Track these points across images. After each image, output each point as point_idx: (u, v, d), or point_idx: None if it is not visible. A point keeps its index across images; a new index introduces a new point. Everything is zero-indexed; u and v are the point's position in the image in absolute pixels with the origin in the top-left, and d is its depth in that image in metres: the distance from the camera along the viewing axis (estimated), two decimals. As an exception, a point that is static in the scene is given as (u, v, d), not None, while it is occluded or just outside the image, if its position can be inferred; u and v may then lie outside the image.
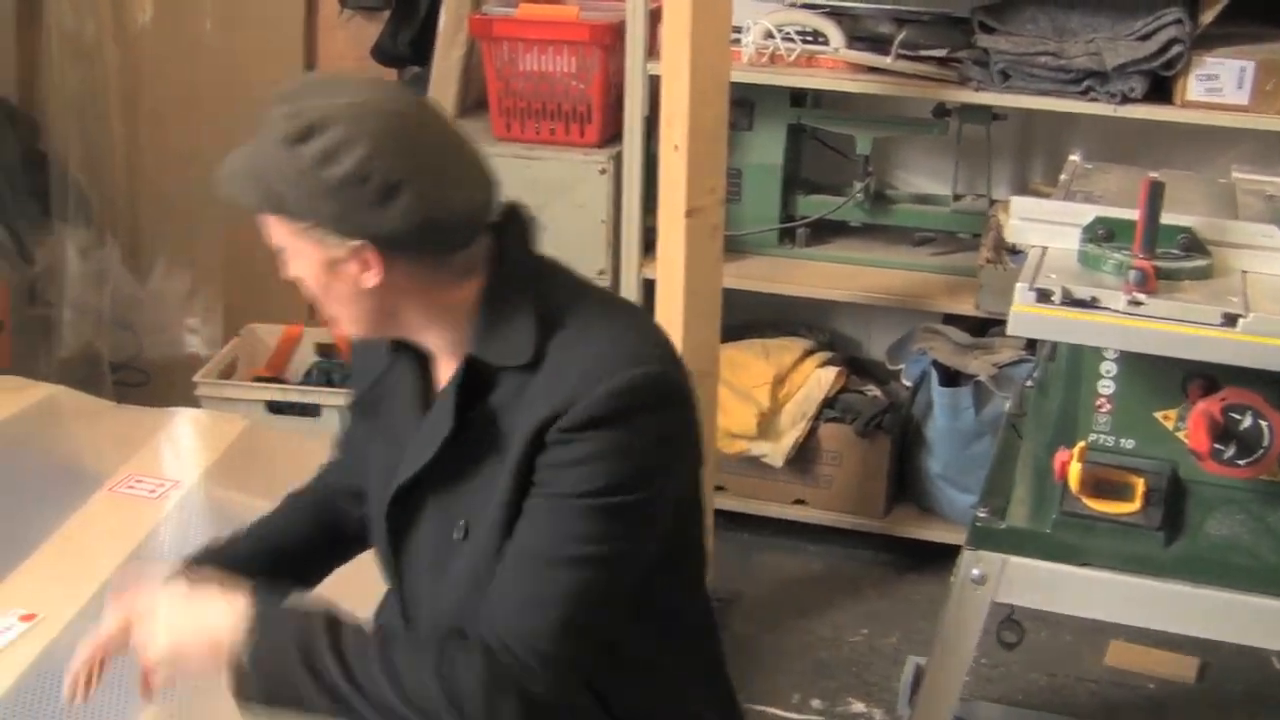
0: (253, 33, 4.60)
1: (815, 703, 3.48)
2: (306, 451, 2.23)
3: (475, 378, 1.83)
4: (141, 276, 4.76)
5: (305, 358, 4.49)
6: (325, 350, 4.50)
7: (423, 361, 1.96)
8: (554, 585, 1.75)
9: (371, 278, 1.78)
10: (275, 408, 4.10)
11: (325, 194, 1.72)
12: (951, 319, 3.97)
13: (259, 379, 4.36)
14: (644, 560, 1.82)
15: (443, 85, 4.20)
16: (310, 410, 4.07)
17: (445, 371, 1.91)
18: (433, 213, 1.75)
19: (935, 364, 3.89)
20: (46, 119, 4.69)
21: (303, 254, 1.80)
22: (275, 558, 2.14)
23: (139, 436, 3.49)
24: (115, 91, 4.64)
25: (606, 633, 1.83)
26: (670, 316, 3.21)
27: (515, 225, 1.91)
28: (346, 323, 1.88)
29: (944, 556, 3.05)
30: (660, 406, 1.77)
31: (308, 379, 4.36)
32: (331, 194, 1.72)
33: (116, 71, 4.62)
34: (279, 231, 1.81)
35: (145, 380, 4.73)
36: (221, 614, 1.81)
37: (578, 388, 1.75)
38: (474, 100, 4.24)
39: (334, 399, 4.05)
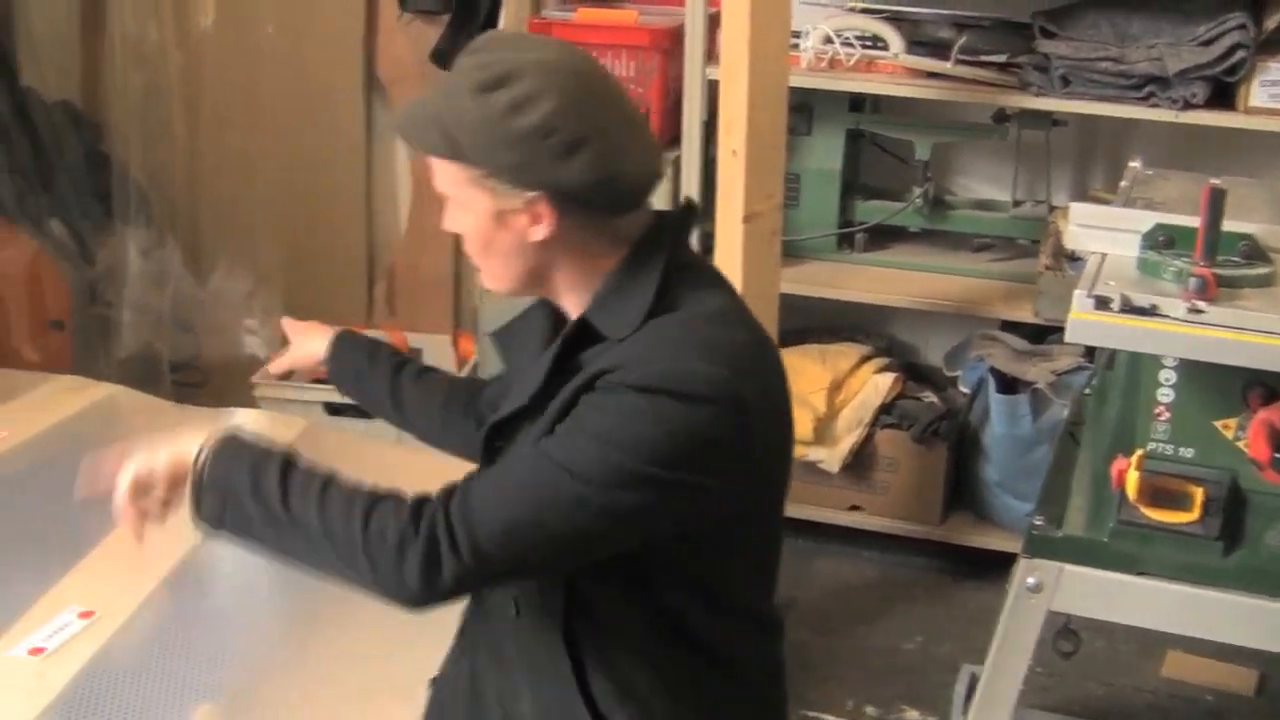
0: (313, 36, 4.63)
1: (869, 710, 3.47)
2: (364, 453, 2.24)
3: (583, 339, 1.86)
4: (201, 277, 4.79)
5: (363, 360, 4.50)
6: (383, 352, 4.51)
7: (558, 315, 1.99)
8: (527, 490, 1.75)
9: (541, 231, 1.81)
10: (333, 409, 4.12)
11: (510, 143, 1.76)
12: (1010, 326, 3.95)
13: (318, 381, 4.36)
14: (629, 537, 1.80)
15: (502, 89, 4.21)
16: (368, 413, 4.08)
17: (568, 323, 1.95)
18: (609, 171, 1.79)
19: (993, 371, 3.87)
20: (109, 121, 4.73)
21: (472, 203, 1.83)
22: (403, 380, 2.30)
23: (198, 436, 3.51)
24: (177, 95, 4.67)
25: (540, 570, 1.84)
26: (727, 321, 3.21)
27: (678, 215, 1.96)
28: (499, 278, 1.91)
29: (1000, 565, 3.03)
30: (706, 406, 1.75)
31: (365, 381, 4.37)
32: (516, 143, 1.76)
33: (178, 75, 4.66)
34: (452, 179, 1.83)
35: (204, 381, 4.76)
36: (191, 440, 1.86)
37: (645, 355, 1.77)
38: (532, 104, 4.25)
39: (391, 401, 4.06)
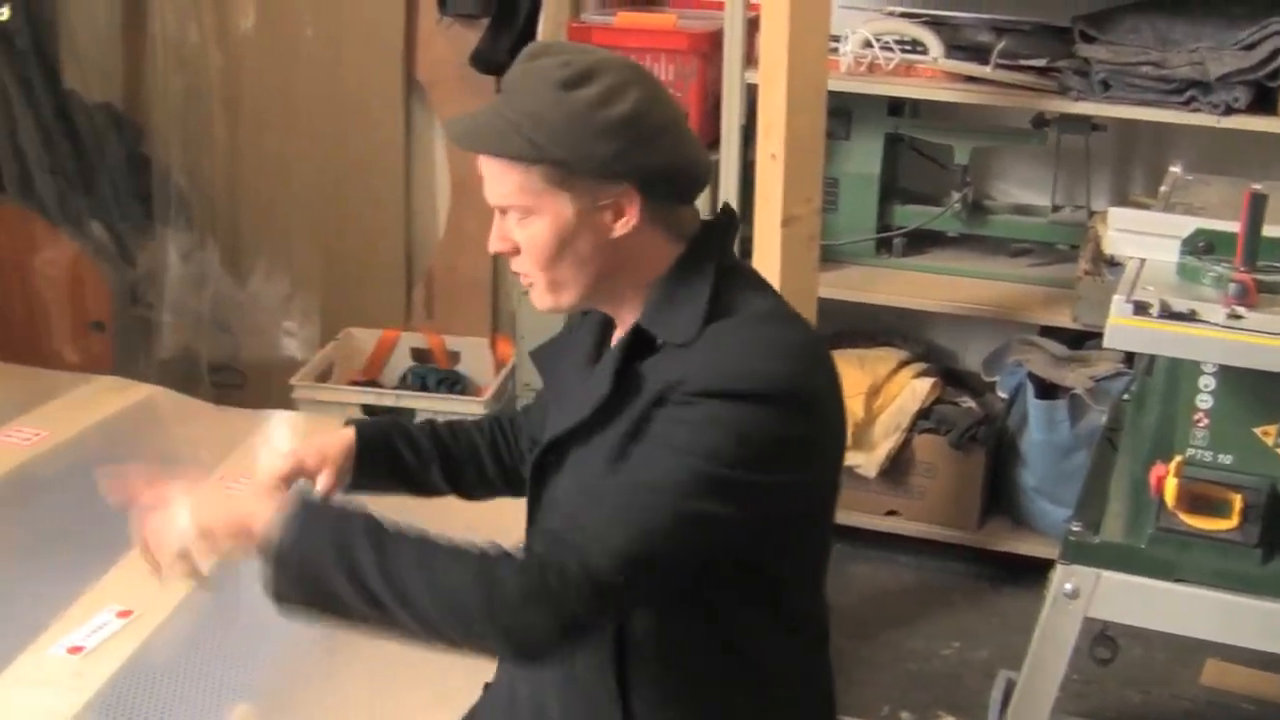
0: (352, 39, 4.64)
1: (905, 715, 3.46)
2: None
3: (640, 347, 1.86)
4: (240, 279, 4.81)
5: (401, 362, 4.53)
6: (420, 355, 4.54)
7: (605, 326, 1.99)
8: (635, 520, 1.72)
9: (625, 224, 1.82)
10: (370, 411, 4.13)
11: (604, 133, 1.77)
12: (1048, 331, 3.94)
13: (355, 383, 4.40)
14: (723, 543, 1.80)
15: (540, 92, 4.22)
16: (405, 415, 4.10)
17: (620, 334, 1.94)
18: (687, 157, 1.85)
19: (1031, 376, 3.86)
20: (150, 124, 4.75)
21: (549, 208, 1.81)
22: (445, 440, 2.18)
23: (235, 437, 3.53)
24: (217, 97, 4.69)
25: (656, 596, 1.82)
26: (764, 325, 3.21)
27: (724, 220, 1.98)
28: (566, 288, 1.88)
29: (1037, 570, 3.02)
30: (780, 405, 1.76)
31: (403, 384, 4.40)
32: (610, 133, 1.77)
33: (218, 77, 4.68)
34: (523, 185, 1.81)
35: (242, 382, 4.79)
36: (255, 502, 1.79)
37: (712, 361, 1.78)
38: (571, 107, 4.25)
39: (429, 404, 4.07)
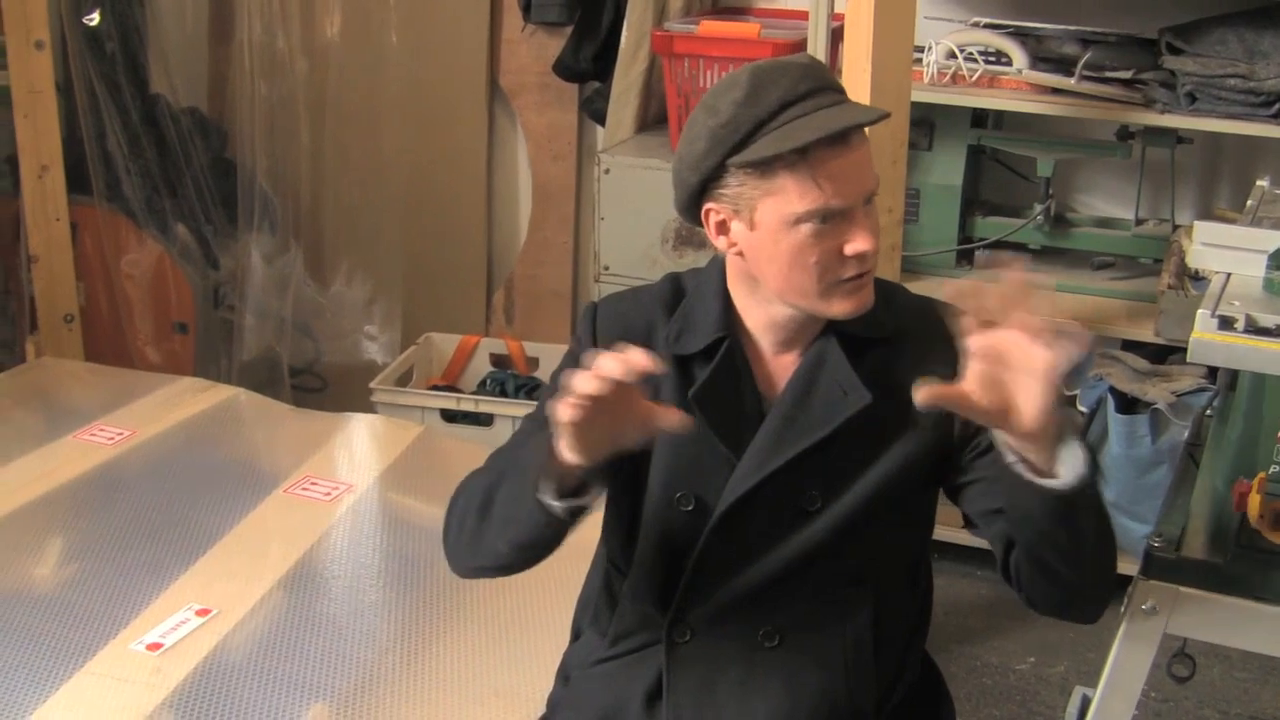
0: (437, 46, 4.67)
1: (980, 730, 3.45)
2: (479, 459, 2.25)
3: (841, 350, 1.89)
4: (323, 284, 4.85)
5: (480, 368, 4.54)
6: (500, 361, 4.55)
7: (730, 354, 1.95)
8: None
9: None
10: (449, 416, 4.15)
11: None
12: (1130, 345, 3.90)
13: (434, 387, 4.42)
14: None
15: (623, 100, 4.23)
16: (483, 419, 4.12)
17: (779, 357, 1.96)
18: None
19: (1112, 390, 3.82)
20: (235, 128, 4.80)
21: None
22: None
23: (315, 440, 3.56)
24: (302, 103, 4.73)
25: None
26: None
27: None
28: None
29: (1116, 586, 2.99)
30: None
31: (482, 389, 4.42)
32: None
33: (304, 83, 4.72)
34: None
35: (323, 386, 4.82)
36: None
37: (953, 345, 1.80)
38: (654, 116, 4.27)
39: (507, 409, 4.09)
